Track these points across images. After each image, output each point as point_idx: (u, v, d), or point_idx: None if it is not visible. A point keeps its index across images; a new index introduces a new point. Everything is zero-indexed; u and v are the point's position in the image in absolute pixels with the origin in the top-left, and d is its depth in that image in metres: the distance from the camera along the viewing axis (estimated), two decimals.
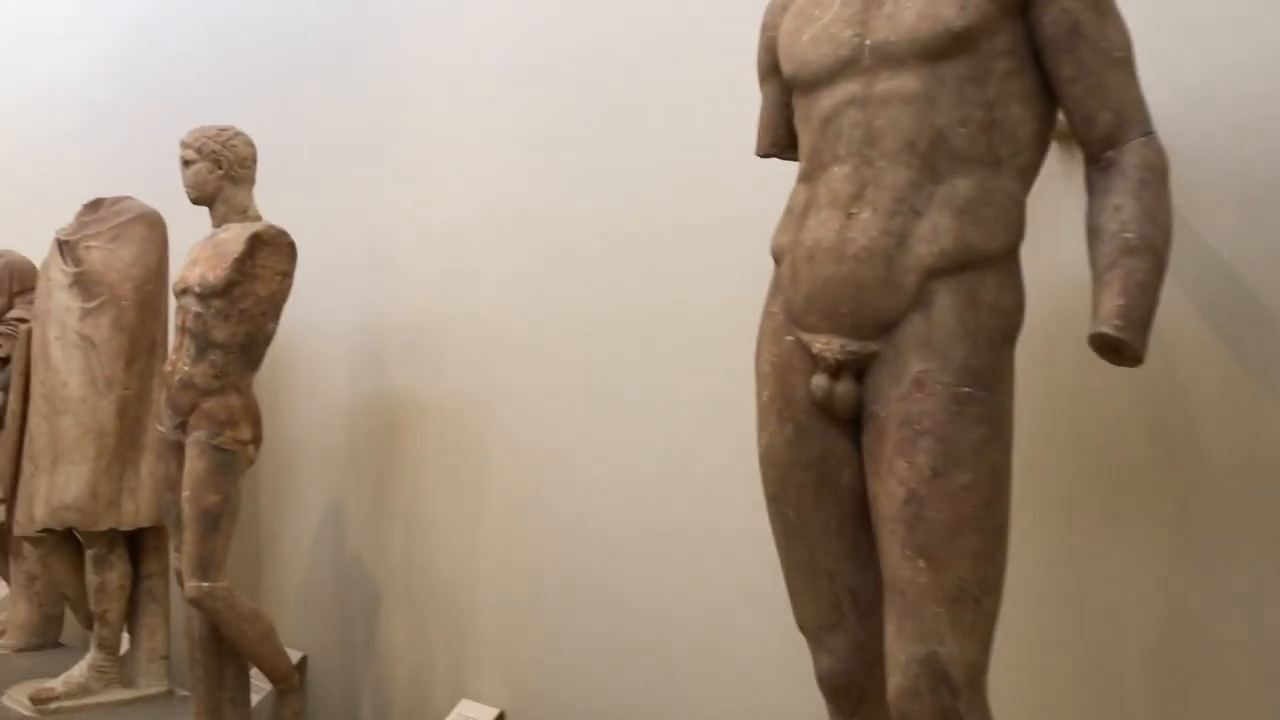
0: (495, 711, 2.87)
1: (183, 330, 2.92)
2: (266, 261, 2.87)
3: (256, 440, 2.92)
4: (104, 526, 3.40)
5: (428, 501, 3.18)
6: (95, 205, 3.58)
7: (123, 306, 3.43)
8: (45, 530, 3.47)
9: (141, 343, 3.47)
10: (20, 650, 4.18)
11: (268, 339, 2.94)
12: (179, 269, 3.04)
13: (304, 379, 3.65)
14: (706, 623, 2.43)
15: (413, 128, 3.32)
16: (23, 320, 3.93)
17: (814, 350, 1.52)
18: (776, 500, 1.58)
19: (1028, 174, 1.50)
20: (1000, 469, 1.42)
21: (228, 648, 2.94)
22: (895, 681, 1.39)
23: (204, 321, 2.86)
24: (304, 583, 3.61)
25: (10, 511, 3.83)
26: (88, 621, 3.62)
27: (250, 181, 3.00)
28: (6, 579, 4.40)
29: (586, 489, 2.73)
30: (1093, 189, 1.47)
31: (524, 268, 2.95)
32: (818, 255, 1.50)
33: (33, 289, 3.86)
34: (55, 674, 3.59)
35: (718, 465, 2.42)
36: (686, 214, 2.54)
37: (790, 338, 1.56)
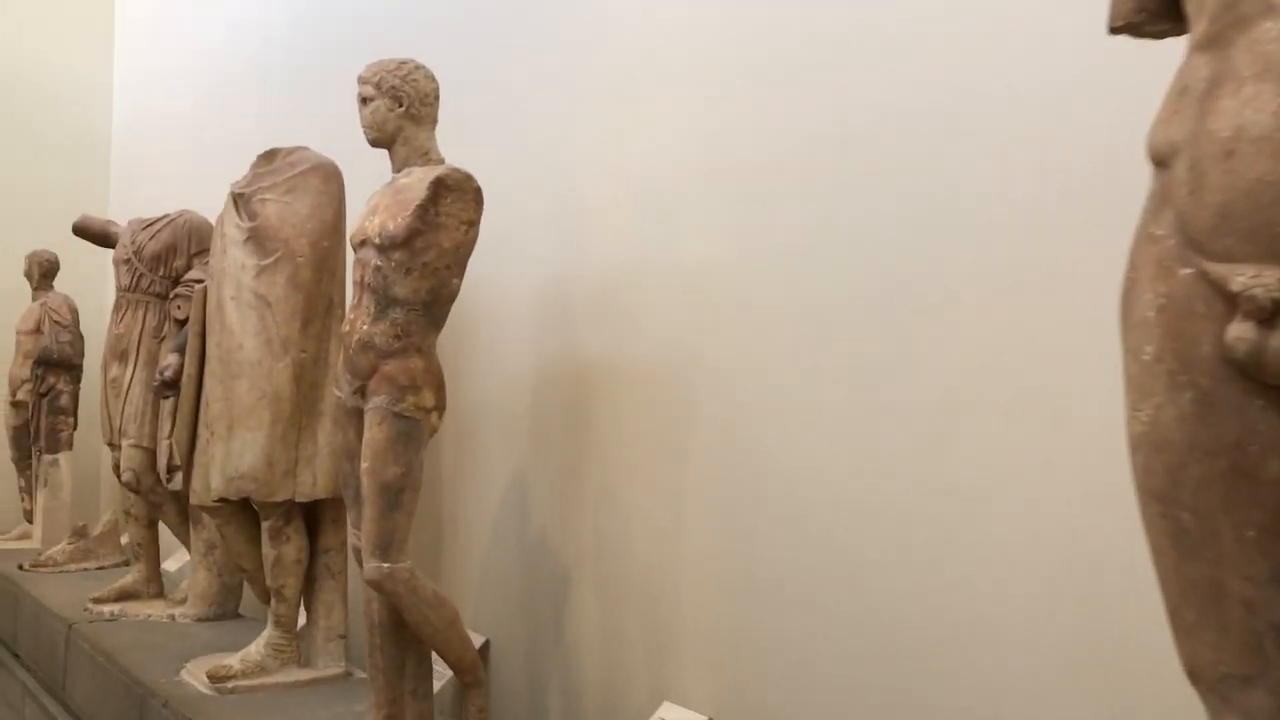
0: (702, 719, 2.54)
1: (361, 286, 2.66)
2: (451, 209, 2.57)
3: (440, 407, 2.64)
4: (280, 498, 3.21)
5: (623, 477, 2.86)
6: (270, 156, 3.37)
7: (298, 263, 3.21)
8: (221, 500, 3.32)
9: (318, 302, 3.25)
10: (200, 620, 4.10)
11: (452, 296, 2.65)
12: (356, 220, 2.80)
13: (487, 340, 3.37)
14: (967, 643, 2.00)
15: (606, 60, 2.98)
16: (199, 281, 3.80)
17: (1232, 287, 1.07)
18: (1165, 499, 1.13)
19: None
20: None
21: (409, 634, 2.68)
22: None
23: (384, 276, 2.59)
24: (485, 564, 3.35)
25: (187, 479, 3.72)
26: (264, 595, 3.46)
27: (432, 121, 2.71)
28: (188, 547, 4.34)
29: (808, 467, 2.34)
30: None
31: (732, 214, 2.57)
32: (1239, 150, 1.05)
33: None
34: (234, 645, 3.44)
35: (982, 453, 1.99)
36: (935, 135, 2.11)
37: (1188, 270, 1.11)
